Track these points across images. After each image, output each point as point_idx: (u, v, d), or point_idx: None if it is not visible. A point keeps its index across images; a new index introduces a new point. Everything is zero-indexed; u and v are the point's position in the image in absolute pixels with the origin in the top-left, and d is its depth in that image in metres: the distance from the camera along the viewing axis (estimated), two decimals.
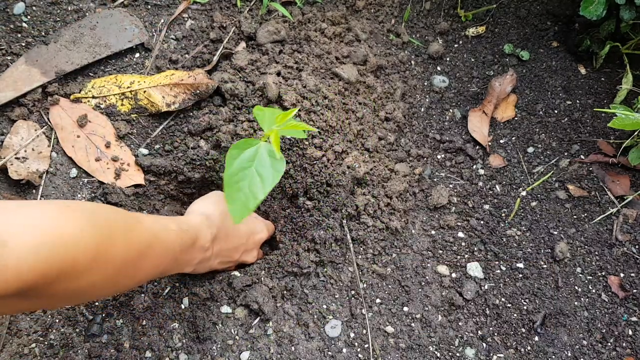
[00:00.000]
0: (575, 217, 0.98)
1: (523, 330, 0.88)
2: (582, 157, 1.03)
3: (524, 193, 1.01)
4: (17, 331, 0.79)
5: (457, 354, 0.86)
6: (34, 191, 0.87)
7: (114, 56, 0.99)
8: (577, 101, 1.09)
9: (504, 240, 0.96)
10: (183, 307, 0.86)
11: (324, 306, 0.87)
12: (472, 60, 1.15)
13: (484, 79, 1.12)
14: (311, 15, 1.07)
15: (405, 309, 0.89)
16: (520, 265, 0.94)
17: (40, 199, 0.87)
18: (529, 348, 0.87)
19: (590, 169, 1.02)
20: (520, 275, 0.93)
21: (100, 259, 0.52)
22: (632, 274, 0.92)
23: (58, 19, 0.98)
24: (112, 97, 0.96)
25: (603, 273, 0.93)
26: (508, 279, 0.92)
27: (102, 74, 0.98)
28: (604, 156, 1.02)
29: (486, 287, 0.91)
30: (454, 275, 0.92)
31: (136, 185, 0.93)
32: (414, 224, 0.96)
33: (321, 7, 1.11)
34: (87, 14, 1.00)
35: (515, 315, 0.89)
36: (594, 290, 0.92)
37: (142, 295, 0.85)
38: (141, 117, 0.97)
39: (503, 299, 0.90)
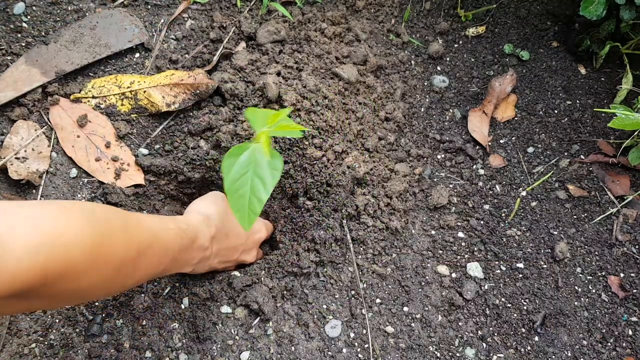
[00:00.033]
0: (575, 217, 0.98)
1: (523, 330, 0.88)
2: (582, 157, 1.03)
3: (524, 193, 1.01)
4: (17, 331, 0.79)
5: (457, 354, 0.86)
6: (34, 191, 0.87)
7: (114, 56, 0.99)
8: (577, 101, 1.09)
9: (504, 240, 0.96)
10: (183, 307, 0.86)
11: (324, 306, 0.87)
12: (472, 60, 1.15)
13: (484, 79, 1.12)
14: (311, 15, 1.07)
15: (405, 309, 0.89)
16: (520, 265, 0.94)
17: (40, 199, 0.87)
18: (529, 348, 0.87)
19: (590, 169, 1.02)
20: (520, 275, 0.93)
21: (100, 259, 0.52)
22: (632, 274, 0.92)
23: (58, 19, 0.98)
24: (112, 97, 0.96)
25: (603, 273, 0.93)
26: (508, 279, 0.92)
27: (102, 74, 0.98)
28: (604, 156, 1.02)
29: (486, 287, 0.91)
30: (454, 275, 0.92)
31: (136, 185, 0.93)
32: (414, 224, 0.96)
33: (321, 7, 1.11)
34: (87, 14, 1.00)
35: (515, 315, 0.89)
36: (594, 290, 0.92)
37: (142, 295, 0.85)
38: (141, 117, 0.97)
39: (503, 299, 0.90)
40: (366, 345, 0.85)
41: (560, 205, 0.99)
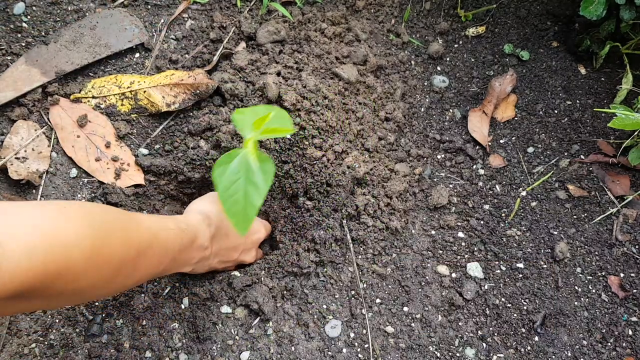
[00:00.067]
0: (575, 217, 0.98)
1: (523, 330, 0.88)
2: (582, 157, 1.03)
3: (524, 193, 1.01)
4: (17, 331, 0.79)
5: (457, 354, 0.86)
6: (34, 191, 0.87)
7: (114, 56, 0.99)
8: (577, 101, 1.09)
9: (504, 240, 0.96)
10: (183, 307, 0.86)
11: (324, 306, 0.87)
12: (472, 60, 1.15)
13: (484, 79, 1.12)
14: (311, 15, 1.07)
15: (405, 309, 0.89)
16: (520, 265, 0.94)
17: (40, 199, 0.87)
18: (529, 348, 0.87)
19: (590, 169, 1.02)
20: (520, 275, 0.93)
21: (99, 259, 0.52)
22: (632, 274, 0.92)
23: (58, 19, 0.98)
24: (112, 97, 0.96)
25: (603, 273, 0.93)
26: (508, 279, 0.92)
27: (102, 74, 0.98)
28: (604, 156, 1.02)
29: (486, 287, 0.91)
30: (454, 275, 0.92)
31: (136, 185, 0.93)
32: (414, 224, 0.96)
33: (321, 7, 1.11)
34: (87, 14, 1.00)
35: (515, 315, 0.89)
36: (594, 290, 0.92)
37: (142, 295, 0.85)
38: (141, 117, 0.97)
39: (503, 299, 0.90)
40: (366, 345, 0.85)
41: (560, 205, 0.99)
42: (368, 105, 1.01)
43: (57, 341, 0.80)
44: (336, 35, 1.06)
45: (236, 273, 0.89)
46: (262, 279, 0.88)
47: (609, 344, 0.87)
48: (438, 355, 0.86)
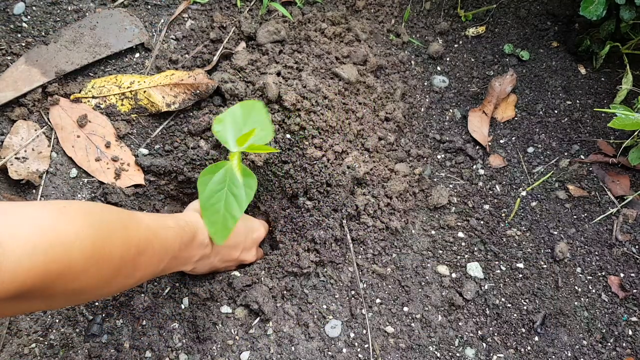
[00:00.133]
0: (575, 217, 0.98)
1: (523, 330, 0.88)
2: (582, 157, 1.03)
3: (524, 193, 1.01)
4: (17, 331, 0.79)
5: (457, 354, 0.86)
6: (34, 191, 0.87)
7: (114, 56, 0.99)
8: (577, 101, 1.09)
9: (504, 240, 0.96)
10: (183, 307, 0.86)
11: (324, 306, 0.87)
12: (472, 60, 1.15)
13: (484, 79, 1.12)
14: (311, 15, 1.07)
15: (405, 309, 0.89)
16: (520, 265, 0.94)
17: (40, 199, 0.87)
18: (529, 348, 0.87)
19: (590, 169, 1.02)
20: (520, 275, 0.93)
21: (99, 259, 0.52)
22: (632, 274, 0.92)
23: (58, 19, 0.98)
24: (112, 97, 0.96)
25: (603, 273, 0.93)
26: (508, 279, 0.92)
27: (102, 74, 0.98)
28: (604, 156, 1.02)
29: (486, 287, 0.91)
30: (454, 275, 0.92)
31: (136, 185, 0.93)
32: (414, 224, 0.96)
33: (321, 7, 1.11)
34: (87, 14, 1.00)
35: (515, 315, 0.89)
36: (594, 290, 0.92)
37: (142, 295, 0.85)
38: (141, 117, 0.97)
39: (503, 299, 0.90)
40: (366, 345, 0.85)
41: (560, 205, 0.99)
42: (368, 105, 1.01)
43: (57, 341, 0.80)
44: (336, 35, 1.06)
45: (236, 273, 0.89)
46: (262, 279, 0.88)
47: (609, 344, 0.87)
48: (438, 355, 0.86)
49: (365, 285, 0.90)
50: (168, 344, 0.83)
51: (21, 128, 0.89)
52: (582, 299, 0.91)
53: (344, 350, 0.84)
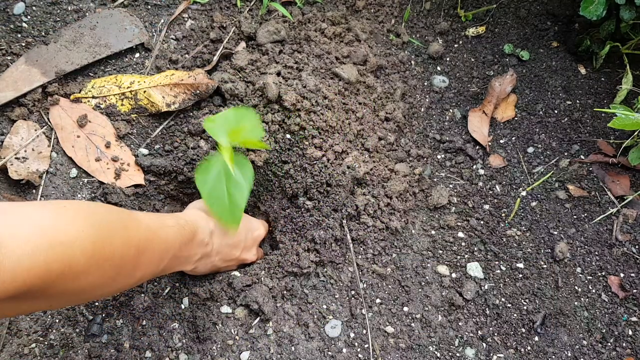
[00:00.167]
0: (575, 217, 0.98)
1: (523, 330, 0.88)
2: (582, 157, 1.03)
3: (524, 193, 1.01)
4: (17, 331, 0.79)
5: (457, 354, 0.86)
6: (34, 191, 0.87)
7: (114, 56, 0.99)
8: (577, 101, 1.09)
9: (504, 240, 0.96)
10: (183, 307, 0.86)
11: (324, 306, 0.87)
12: (472, 60, 1.15)
13: (484, 79, 1.12)
14: (311, 15, 1.07)
15: (405, 309, 0.89)
16: (520, 265, 0.94)
17: (40, 199, 0.87)
18: (529, 348, 0.87)
19: (590, 169, 1.02)
20: (520, 275, 0.93)
21: (99, 259, 0.52)
22: (632, 274, 0.92)
23: (58, 19, 0.98)
24: (112, 97, 0.96)
25: (603, 273, 0.93)
26: (508, 279, 0.92)
27: (102, 74, 0.98)
28: (604, 156, 1.02)
29: (486, 287, 0.91)
30: (454, 275, 0.92)
31: (136, 185, 0.93)
32: (414, 224, 0.96)
33: (321, 7, 1.11)
34: (87, 14, 1.00)
35: (515, 315, 0.89)
36: (594, 290, 0.92)
37: (142, 295, 0.85)
38: (141, 117, 0.97)
39: (503, 299, 0.90)
40: (366, 345, 0.85)
41: (560, 205, 0.99)
42: (368, 105, 1.01)
43: (57, 341, 0.80)
44: (336, 35, 1.06)
45: (236, 273, 0.89)
46: (262, 279, 0.88)
47: (609, 344, 0.87)
48: (438, 355, 0.86)
49: (365, 285, 0.90)
50: (168, 344, 0.83)
51: (21, 128, 0.89)
52: (582, 299, 0.91)
53: (344, 350, 0.84)
